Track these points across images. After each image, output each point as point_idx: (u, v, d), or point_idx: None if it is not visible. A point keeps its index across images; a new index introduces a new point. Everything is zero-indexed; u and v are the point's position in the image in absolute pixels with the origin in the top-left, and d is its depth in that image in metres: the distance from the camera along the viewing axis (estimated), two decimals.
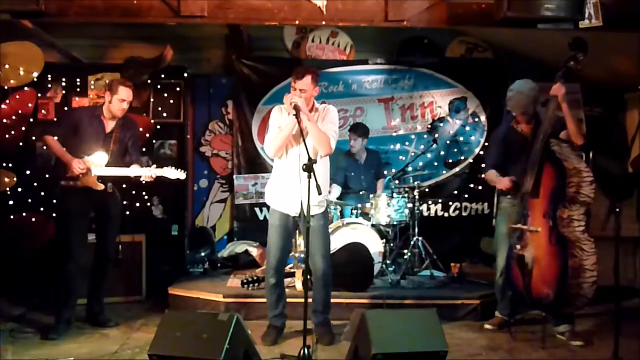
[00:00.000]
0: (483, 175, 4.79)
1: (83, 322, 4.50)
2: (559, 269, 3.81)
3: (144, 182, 4.39)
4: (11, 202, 5.41)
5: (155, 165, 4.38)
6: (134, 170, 4.36)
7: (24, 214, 5.42)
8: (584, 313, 4.51)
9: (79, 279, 4.32)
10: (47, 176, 5.40)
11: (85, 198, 4.30)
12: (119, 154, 4.43)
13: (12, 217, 5.41)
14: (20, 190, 5.43)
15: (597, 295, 3.92)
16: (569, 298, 3.84)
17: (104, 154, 4.32)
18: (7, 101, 5.45)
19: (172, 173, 4.38)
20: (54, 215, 5.22)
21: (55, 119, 5.66)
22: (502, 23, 3.99)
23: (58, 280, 4.32)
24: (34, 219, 5.44)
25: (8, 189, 5.35)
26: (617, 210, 3.53)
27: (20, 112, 5.45)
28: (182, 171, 4.43)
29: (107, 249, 4.52)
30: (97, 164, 4.28)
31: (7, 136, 5.37)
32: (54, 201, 5.02)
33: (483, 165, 6.16)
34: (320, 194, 3.49)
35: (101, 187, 4.31)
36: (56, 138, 4.32)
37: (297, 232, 4.78)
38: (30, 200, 5.49)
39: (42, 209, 5.49)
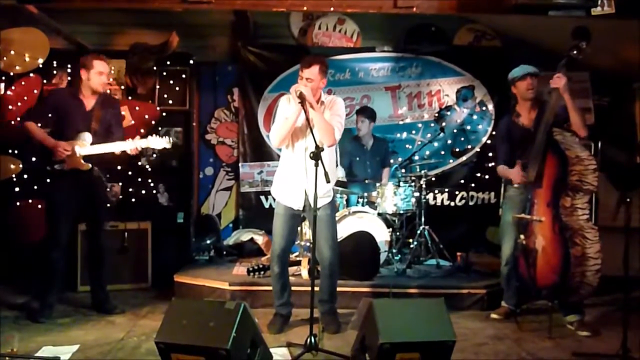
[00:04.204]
0: (491, 164, 4.76)
1: (89, 308, 4.51)
2: (563, 257, 3.81)
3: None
4: (17, 189, 5.40)
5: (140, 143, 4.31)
6: (118, 145, 4.30)
7: (30, 201, 5.41)
8: (592, 303, 4.50)
9: (62, 263, 4.32)
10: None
11: (73, 182, 4.26)
12: (102, 132, 4.37)
13: (17, 203, 5.41)
14: (25, 176, 5.41)
15: (605, 285, 3.92)
16: (573, 286, 3.83)
17: (88, 134, 4.28)
18: (13, 87, 5.43)
19: (157, 142, 4.35)
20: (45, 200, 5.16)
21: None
22: (513, 10, 3.95)
23: (42, 265, 4.29)
24: (39, 206, 5.42)
25: (13, 176, 5.34)
26: (628, 200, 3.50)
27: (25, 98, 5.42)
28: (167, 138, 4.40)
29: (99, 235, 4.49)
30: (81, 144, 4.24)
31: (13, 122, 5.35)
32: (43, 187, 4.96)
33: (490, 154, 6.20)
34: (328, 181, 3.47)
35: (87, 166, 4.27)
36: (40, 125, 4.28)
37: (303, 222, 4.76)
38: (35, 187, 5.47)
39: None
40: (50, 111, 4.31)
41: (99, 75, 4.28)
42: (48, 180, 4.30)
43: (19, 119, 5.30)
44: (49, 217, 4.32)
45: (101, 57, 4.32)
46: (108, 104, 4.46)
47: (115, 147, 4.31)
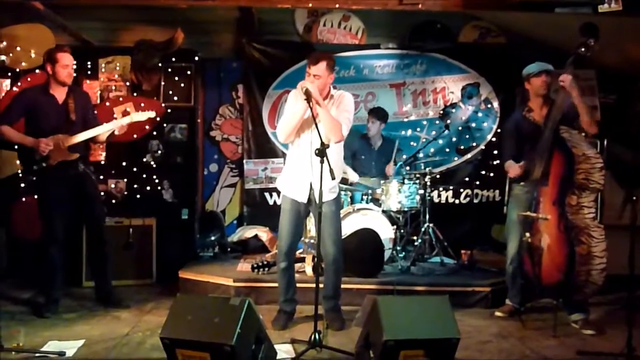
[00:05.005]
0: (496, 162, 4.74)
1: (94, 304, 4.53)
2: (568, 255, 3.80)
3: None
4: (22, 185, 5.42)
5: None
6: (102, 127, 4.33)
7: (35, 196, 5.42)
8: (597, 302, 4.49)
9: (62, 259, 4.33)
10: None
11: (61, 176, 4.27)
12: (81, 121, 4.36)
13: (23, 199, 5.43)
14: None
15: (611, 284, 3.90)
16: (577, 285, 3.82)
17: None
18: (19, 83, 5.45)
19: (140, 115, 4.42)
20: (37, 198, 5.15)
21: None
22: (519, 7, 3.94)
23: (42, 261, 4.32)
24: None
25: (19, 171, 5.36)
26: (634, 198, 3.49)
27: None
28: (151, 110, 4.44)
29: (100, 231, 4.50)
30: (64, 137, 4.24)
31: None
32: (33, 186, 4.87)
33: (495, 152, 6.19)
34: (333, 178, 3.48)
35: (75, 155, 4.28)
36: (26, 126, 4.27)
37: (308, 217, 4.75)
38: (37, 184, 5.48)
39: None
40: (23, 111, 4.29)
41: (64, 68, 4.28)
42: (34, 179, 4.30)
43: None
44: (42, 214, 4.32)
45: (65, 50, 4.32)
46: (78, 93, 4.48)
47: (100, 129, 4.34)
